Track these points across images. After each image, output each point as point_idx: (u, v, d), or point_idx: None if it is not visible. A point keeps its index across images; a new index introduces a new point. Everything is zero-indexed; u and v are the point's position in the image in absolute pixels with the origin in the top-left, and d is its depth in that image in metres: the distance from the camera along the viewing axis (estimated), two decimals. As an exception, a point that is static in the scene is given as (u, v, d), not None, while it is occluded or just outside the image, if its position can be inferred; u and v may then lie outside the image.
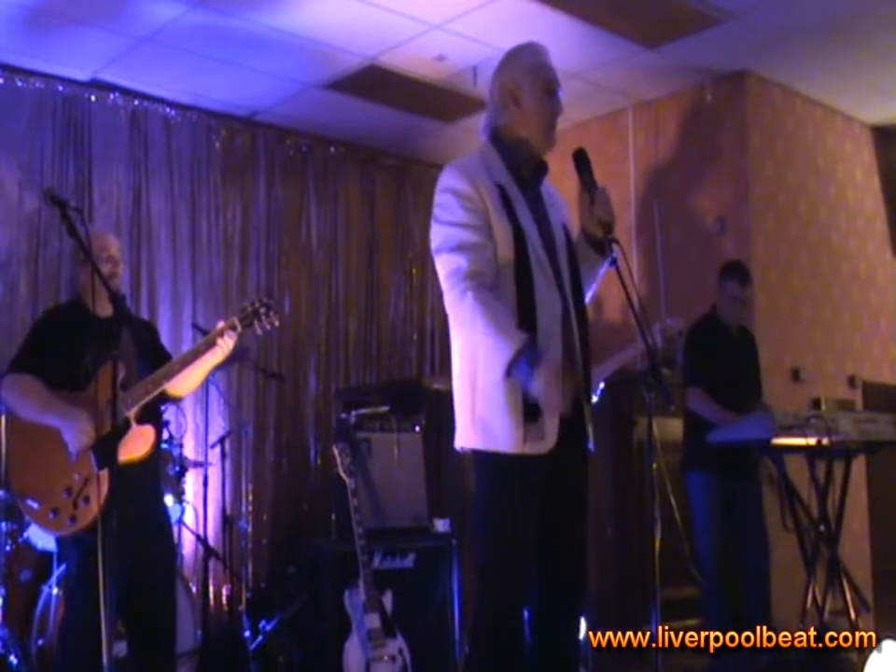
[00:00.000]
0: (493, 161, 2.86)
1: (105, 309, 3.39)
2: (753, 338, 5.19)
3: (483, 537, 2.82)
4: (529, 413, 2.68)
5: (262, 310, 3.46)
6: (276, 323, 3.50)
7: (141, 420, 3.38)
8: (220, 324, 3.46)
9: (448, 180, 2.83)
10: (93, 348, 3.39)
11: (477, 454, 2.80)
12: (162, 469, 4.77)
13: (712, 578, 4.70)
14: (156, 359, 3.58)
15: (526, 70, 2.88)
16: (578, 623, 2.91)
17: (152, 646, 3.46)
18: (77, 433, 3.29)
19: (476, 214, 2.76)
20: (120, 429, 3.29)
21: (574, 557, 2.87)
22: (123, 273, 3.68)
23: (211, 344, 3.41)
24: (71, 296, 3.77)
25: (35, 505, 3.35)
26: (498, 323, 2.66)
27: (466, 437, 2.81)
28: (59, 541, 3.60)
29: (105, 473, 3.23)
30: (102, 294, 3.19)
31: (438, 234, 2.83)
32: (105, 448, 3.24)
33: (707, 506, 4.73)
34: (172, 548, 3.72)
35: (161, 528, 3.61)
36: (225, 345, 3.43)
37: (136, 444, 3.36)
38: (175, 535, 5.26)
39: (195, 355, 3.43)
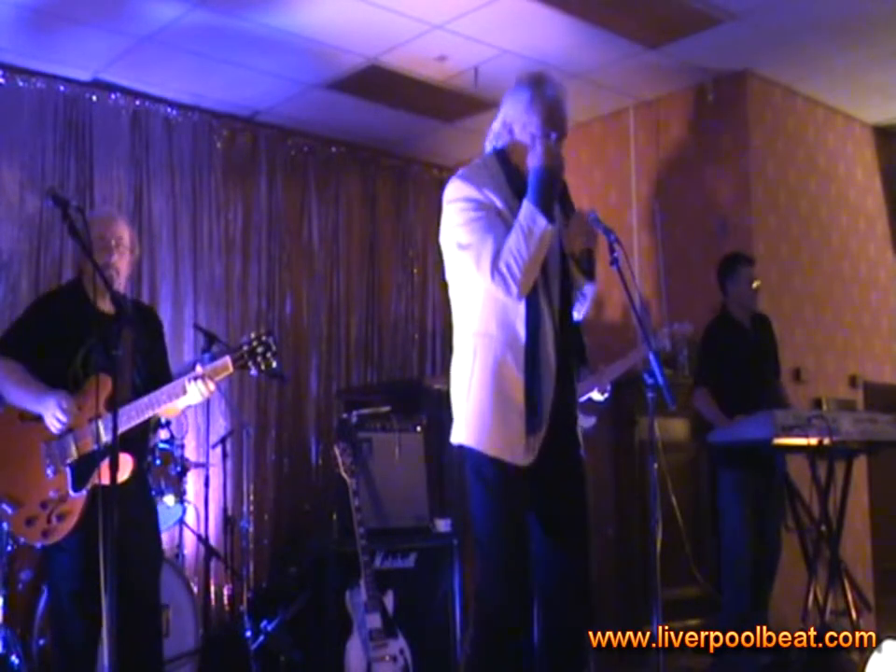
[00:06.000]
0: (496, 174, 2.95)
1: (106, 303, 3.32)
2: (769, 322, 5.15)
3: (479, 532, 2.91)
4: (514, 424, 2.80)
5: (260, 349, 3.21)
6: (274, 365, 3.23)
7: (122, 446, 3.19)
8: (198, 368, 3.23)
9: (456, 190, 2.92)
10: (88, 345, 3.31)
11: (464, 449, 2.92)
12: (164, 470, 4.77)
13: (741, 572, 4.67)
14: (154, 365, 3.48)
15: (523, 110, 2.92)
16: (586, 614, 2.95)
17: (138, 654, 3.36)
18: (56, 411, 3.20)
19: (488, 212, 2.86)
20: (100, 454, 3.18)
21: (577, 558, 2.91)
22: (123, 264, 3.46)
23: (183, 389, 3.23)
24: (74, 279, 3.60)
25: (10, 510, 3.32)
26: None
27: (459, 433, 2.93)
28: (42, 550, 3.54)
29: (80, 494, 3.21)
30: (103, 289, 3.16)
31: (454, 233, 2.90)
32: (83, 469, 3.21)
33: (738, 503, 4.71)
34: (156, 566, 3.57)
35: (144, 546, 3.47)
36: (198, 392, 3.22)
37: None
38: (177, 535, 5.29)
39: (184, 389, 3.24)
